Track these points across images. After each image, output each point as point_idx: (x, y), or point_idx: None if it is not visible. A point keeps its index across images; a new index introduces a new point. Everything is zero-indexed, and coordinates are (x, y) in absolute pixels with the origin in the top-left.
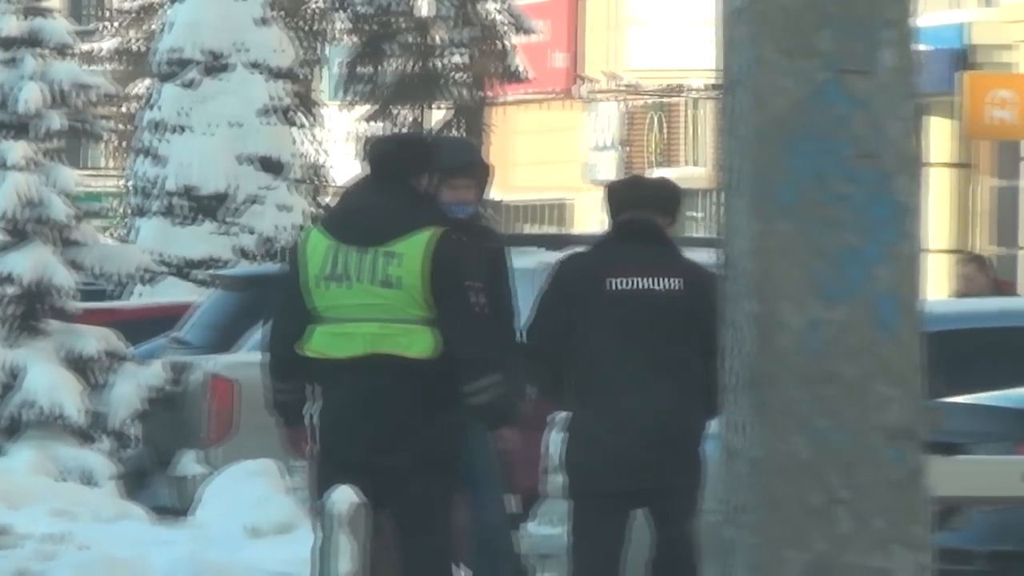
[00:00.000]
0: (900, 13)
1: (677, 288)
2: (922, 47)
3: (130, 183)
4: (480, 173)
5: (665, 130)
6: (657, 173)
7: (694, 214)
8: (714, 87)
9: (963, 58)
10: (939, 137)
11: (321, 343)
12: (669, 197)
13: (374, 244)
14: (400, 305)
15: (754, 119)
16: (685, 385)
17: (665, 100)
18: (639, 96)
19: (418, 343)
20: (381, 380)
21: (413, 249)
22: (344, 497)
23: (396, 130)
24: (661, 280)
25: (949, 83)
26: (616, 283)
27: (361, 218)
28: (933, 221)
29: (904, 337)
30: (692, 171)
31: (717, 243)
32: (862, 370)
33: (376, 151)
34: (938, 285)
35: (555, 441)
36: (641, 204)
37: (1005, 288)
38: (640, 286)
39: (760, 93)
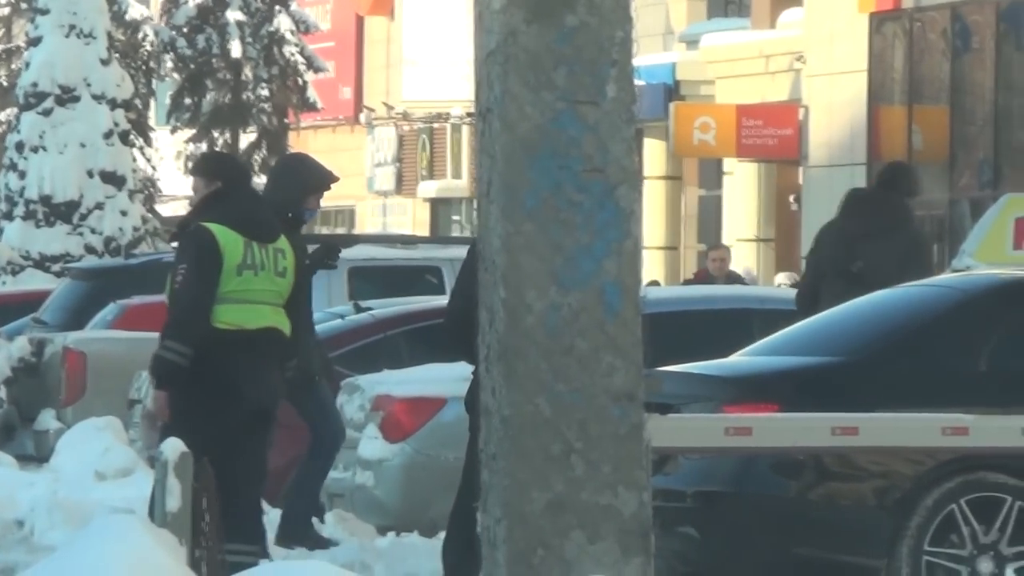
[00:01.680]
0: (621, 55)
1: None
2: (639, 82)
3: None
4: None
5: (431, 150)
6: (425, 185)
7: (456, 218)
8: (471, 115)
9: (673, 91)
10: (654, 155)
11: (236, 317)
12: None
13: (270, 241)
14: (283, 291)
15: (503, 140)
16: None
17: (431, 126)
18: (410, 122)
19: (287, 321)
20: (269, 348)
21: (287, 245)
22: (174, 447)
23: (215, 149)
24: None
25: (662, 111)
26: None
27: (258, 219)
28: (649, 223)
29: (627, 317)
30: (453, 183)
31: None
32: (593, 344)
33: (234, 166)
34: (653, 275)
35: (343, 403)
36: None
37: (735, 278)
38: None
39: (508, 119)
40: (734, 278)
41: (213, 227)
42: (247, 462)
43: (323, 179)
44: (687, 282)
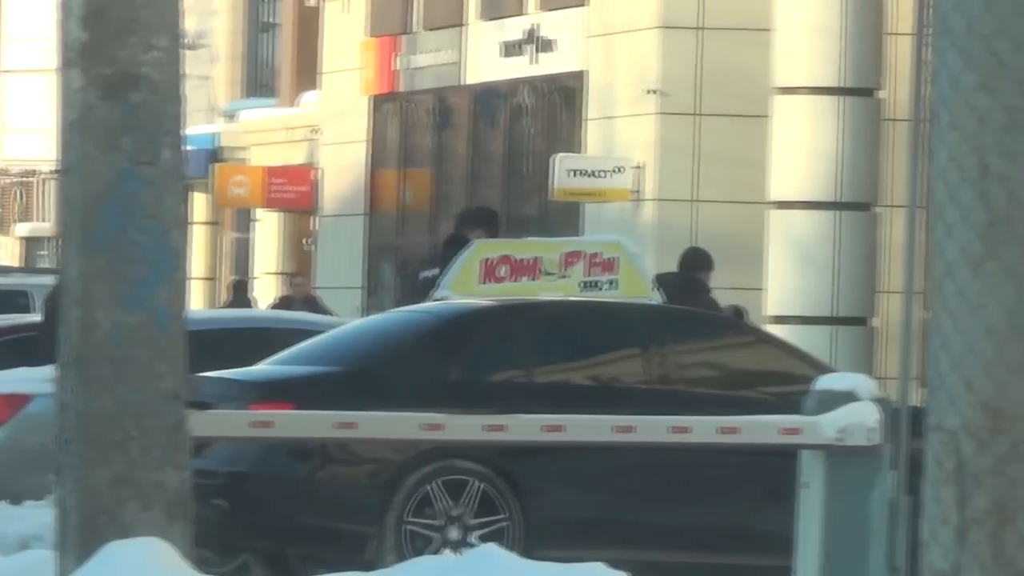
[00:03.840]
0: (173, 125)
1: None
2: (189, 147)
3: None
4: None
5: (25, 198)
6: (19, 226)
7: (43, 253)
8: (56, 171)
9: (215, 155)
10: (199, 205)
11: None
12: (480, 218)
13: None
14: None
15: (81, 192)
16: None
17: (25, 179)
18: (8, 176)
19: None
20: None
21: None
22: None
23: None
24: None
25: (205, 171)
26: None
27: None
28: (194, 259)
29: (174, 333)
30: (41, 225)
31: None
32: (147, 354)
33: None
34: (196, 299)
35: None
36: (461, 224)
37: (311, 299)
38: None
39: (85, 176)
40: (311, 300)
41: None
42: None
43: None
44: (274, 306)
